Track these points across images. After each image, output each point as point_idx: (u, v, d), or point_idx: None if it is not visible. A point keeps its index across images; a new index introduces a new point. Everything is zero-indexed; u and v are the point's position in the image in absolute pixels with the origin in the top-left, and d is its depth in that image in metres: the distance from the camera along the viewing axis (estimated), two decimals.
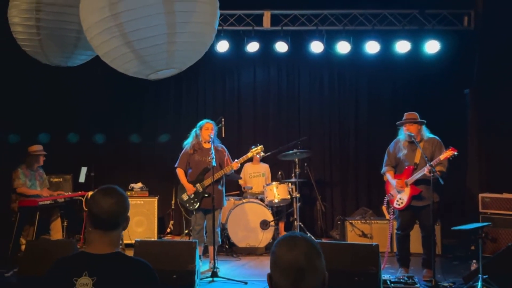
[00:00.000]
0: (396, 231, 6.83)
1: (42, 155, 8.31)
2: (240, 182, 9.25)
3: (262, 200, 8.60)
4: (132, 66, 3.59)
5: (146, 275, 2.42)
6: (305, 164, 9.26)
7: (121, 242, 8.34)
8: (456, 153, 6.27)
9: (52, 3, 4.17)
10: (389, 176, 6.81)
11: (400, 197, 6.61)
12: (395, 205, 6.67)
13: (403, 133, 6.71)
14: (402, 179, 6.61)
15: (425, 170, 6.31)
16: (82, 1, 3.55)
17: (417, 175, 6.47)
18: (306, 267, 1.87)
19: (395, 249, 7.06)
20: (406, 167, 6.63)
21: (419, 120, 6.68)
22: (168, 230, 9.62)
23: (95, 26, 3.45)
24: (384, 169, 6.92)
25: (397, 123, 6.85)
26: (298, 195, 8.39)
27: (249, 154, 7.41)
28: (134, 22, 3.30)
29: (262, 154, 7.65)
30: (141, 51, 3.43)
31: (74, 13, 3.90)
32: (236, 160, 7.23)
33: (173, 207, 9.46)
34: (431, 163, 6.22)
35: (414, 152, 6.62)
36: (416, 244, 6.87)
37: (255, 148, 7.49)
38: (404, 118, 6.76)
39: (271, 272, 1.95)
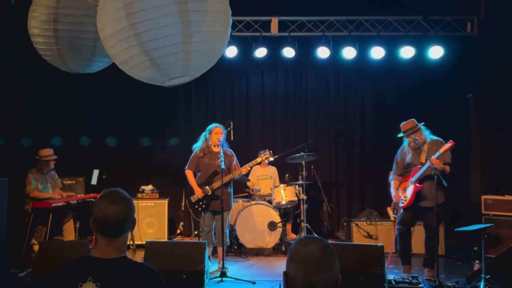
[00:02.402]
0: (397, 226, 6.87)
1: (52, 159, 8.37)
2: (249, 184, 9.32)
3: (269, 202, 8.67)
4: (149, 74, 3.66)
5: (151, 280, 2.40)
6: (312, 166, 9.33)
7: (132, 243, 8.48)
8: (453, 145, 6.34)
9: (70, 14, 4.25)
10: (392, 186, 6.90)
11: (405, 196, 6.68)
12: (399, 204, 6.71)
13: (407, 140, 6.77)
14: (409, 179, 6.69)
15: (429, 164, 6.36)
16: (99, 12, 3.63)
17: (420, 172, 6.52)
18: (321, 260, 1.95)
19: None
20: (414, 168, 6.71)
21: (417, 127, 6.69)
22: (178, 231, 9.68)
23: (112, 36, 3.52)
24: (391, 177, 7.01)
25: (398, 135, 6.85)
26: (305, 197, 8.45)
27: (258, 159, 7.51)
28: (151, 31, 3.38)
29: (270, 158, 7.78)
30: (158, 60, 3.50)
31: (91, 22, 3.97)
32: (245, 165, 7.37)
33: (183, 208, 9.45)
34: (431, 158, 6.27)
35: (420, 154, 6.70)
36: (420, 244, 6.99)
37: (264, 154, 7.56)
38: (402, 129, 6.76)
39: (287, 269, 2.00)
